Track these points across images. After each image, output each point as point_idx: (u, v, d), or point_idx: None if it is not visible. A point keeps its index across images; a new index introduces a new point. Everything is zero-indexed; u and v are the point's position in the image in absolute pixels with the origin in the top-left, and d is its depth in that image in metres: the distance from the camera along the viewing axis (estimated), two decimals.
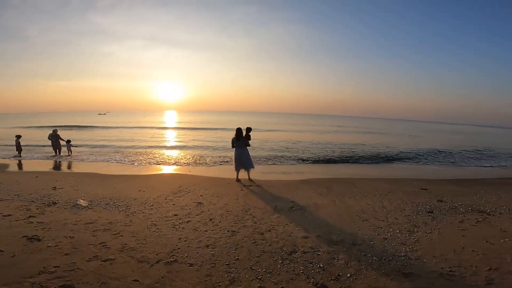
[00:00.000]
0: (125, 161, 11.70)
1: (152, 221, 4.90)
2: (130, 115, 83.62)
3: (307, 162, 12.38)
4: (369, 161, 13.14)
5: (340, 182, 8.56)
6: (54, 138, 12.73)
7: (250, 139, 8.15)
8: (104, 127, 29.51)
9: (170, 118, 64.61)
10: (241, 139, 7.86)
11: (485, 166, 13.64)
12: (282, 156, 13.58)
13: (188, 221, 4.91)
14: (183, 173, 9.57)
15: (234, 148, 8.03)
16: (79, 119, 52.02)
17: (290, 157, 13.52)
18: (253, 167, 8.25)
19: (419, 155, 15.82)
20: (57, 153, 12.91)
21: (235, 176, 8.17)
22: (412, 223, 5.14)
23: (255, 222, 4.89)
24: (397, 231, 4.76)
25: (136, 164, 11.18)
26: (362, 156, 14.40)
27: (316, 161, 12.77)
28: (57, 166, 11.01)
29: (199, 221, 4.90)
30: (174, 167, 10.77)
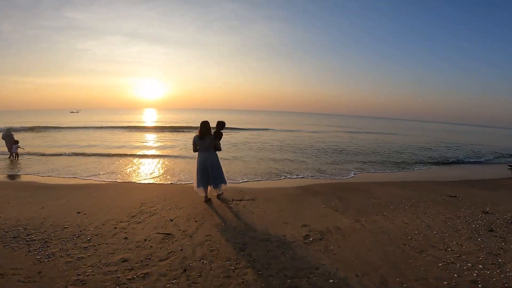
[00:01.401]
0: (77, 168, 9.21)
1: (78, 275, 2.80)
2: (105, 113, 77.27)
3: (300, 162, 10.60)
4: (362, 160, 11.64)
5: (349, 189, 6.85)
6: (8, 138, 10.80)
7: (221, 138, 5.29)
8: (71, 127, 25.38)
9: (148, 117, 59.12)
10: (206, 138, 5.05)
11: (476, 163, 12.67)
12: (271, 158, 11.70)
13: (144, 275, 2.85)
14: (150, 182, 7.32)
15: (197, 153, 5.25)
16: (47, 118, 46.80)
17: (280, 159, 11.68)
18: (225, 183, 5.47)
19: (411, 153, 14.69)
20: (17, 154, 10.86)
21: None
22: (487, 251, 3.66)
23: (260, 273, 2.93)
24: (480, 266, 3.18)
25: (90, 172, 8.73)
26: (362, 160, 12.91)
27: (310, 162, 11.04)
28: None
29: (164, 275, 2.85)
30: (140, 174, 8.43)
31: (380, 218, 4.81)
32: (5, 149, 10.98)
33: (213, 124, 5.26)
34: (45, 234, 3.80)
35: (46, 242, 3.57)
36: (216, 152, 5.28)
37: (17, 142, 10.88)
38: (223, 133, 5.40)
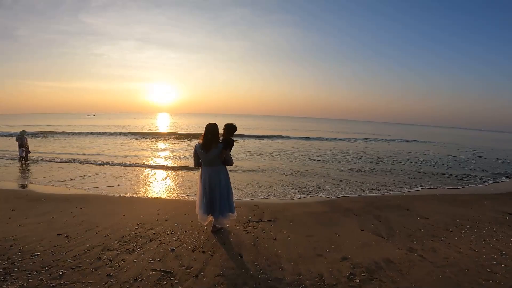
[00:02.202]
0: (78, 177, 8.44)
1: None
2: (119, 118, 77.68)
3: (321, 173, 9.55)
4: (388, 169, 10.45)
5: (385, 206, 5.78)
6: (20, 141, 10.51)
7: (231, 147, 3.82)
8: (86, 133, 24.77)
9: (161, 121, 58.49)
10: (212, 147, 3.59)
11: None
12: (288, 168, 10.69)
13: None
14: (154, 197, 6.34)
15: (200, 168, 3.84)
16: (67, 121, 47.71)
17: (298, 169, 10.65)
18: (233, 212, 3.87)
19: (439, 162, 13.38)
20: (24, 158, 10.52)
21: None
22: None
23: None
24: None
25: (90, 182, 7.93)
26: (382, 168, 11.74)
27: (331, 173, 9.97)
28: None
29: None
30: (144, 187, 7.44)
31: (440, 245, 3.75)
32: (10, 153, 10.72)
33: (220, 129, 3.89)
34: (8, 263, 2.94)
35: (5, 274, 2.71)
36: (226, 167, 3.83)
37: (22, 145, 10.45)
38: (235, 140, 3.91)
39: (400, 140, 28.66)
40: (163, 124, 47.32)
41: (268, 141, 22.36)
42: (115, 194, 6.32)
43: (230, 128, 3.80)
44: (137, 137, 23.23)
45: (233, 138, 3.84)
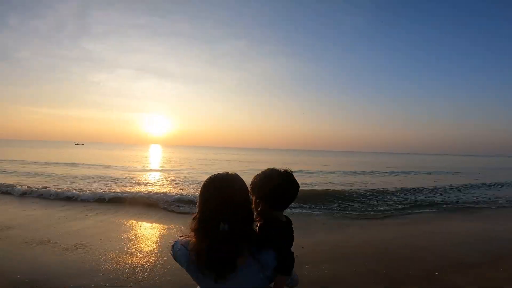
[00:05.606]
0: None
1: None
2: (108, 148, 73.45)
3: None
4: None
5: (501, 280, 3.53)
6: None
7: (288, 244, 1.08)
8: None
9: (152, 154, 51.48)
10: (237, 265, 0.95)
11: None
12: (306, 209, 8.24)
13: None
14: None
15: None
16: (55, 150, 44.88)
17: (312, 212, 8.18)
18: None
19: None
20: None
21: None
22: None
23: None
24: None
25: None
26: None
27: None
28: None
29: None
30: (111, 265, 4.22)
31: None
32: None
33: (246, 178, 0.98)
34: None
35: None
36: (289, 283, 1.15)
37: None
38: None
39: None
40: (163, 157, 39.63)
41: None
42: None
43: (283, 189, 1.06)
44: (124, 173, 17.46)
45: (285, 217, 1.12)
